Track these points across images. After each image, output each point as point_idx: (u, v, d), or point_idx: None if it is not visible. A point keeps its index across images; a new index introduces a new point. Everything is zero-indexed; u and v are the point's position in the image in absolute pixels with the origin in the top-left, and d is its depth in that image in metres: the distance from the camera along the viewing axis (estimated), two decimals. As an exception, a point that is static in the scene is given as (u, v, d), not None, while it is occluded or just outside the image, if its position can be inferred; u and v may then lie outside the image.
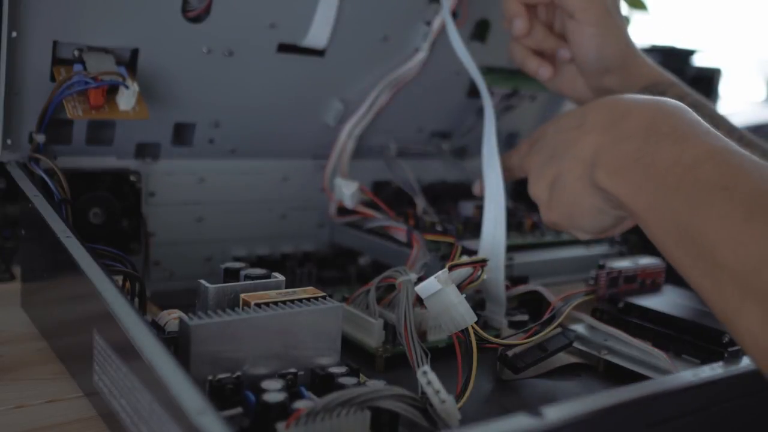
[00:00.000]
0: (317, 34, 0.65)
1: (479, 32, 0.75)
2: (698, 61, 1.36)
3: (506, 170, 0.64)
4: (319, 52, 0.67)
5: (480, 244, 0.59)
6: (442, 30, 0.69)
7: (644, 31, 1.56)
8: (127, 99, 0.56)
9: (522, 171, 0.61)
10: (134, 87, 0.56)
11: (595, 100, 0.54)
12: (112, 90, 0.56)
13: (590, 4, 0.63)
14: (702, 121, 0.47)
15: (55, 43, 0.56)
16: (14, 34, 0.53)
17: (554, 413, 0.33)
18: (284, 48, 0.65)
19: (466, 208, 0.73)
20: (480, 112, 0.80)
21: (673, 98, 0.63)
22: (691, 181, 0.42)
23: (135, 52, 0.59)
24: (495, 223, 0.58)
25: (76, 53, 0.57)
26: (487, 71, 0.77)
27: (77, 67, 0.56)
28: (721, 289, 0.39)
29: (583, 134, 0.51)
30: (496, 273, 0.57)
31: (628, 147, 0.47)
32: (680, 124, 0.46)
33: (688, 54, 1.35)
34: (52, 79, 0.57)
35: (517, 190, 0.82)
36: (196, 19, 0.60)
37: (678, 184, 0.43)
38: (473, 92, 0.79)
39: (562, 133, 0.53)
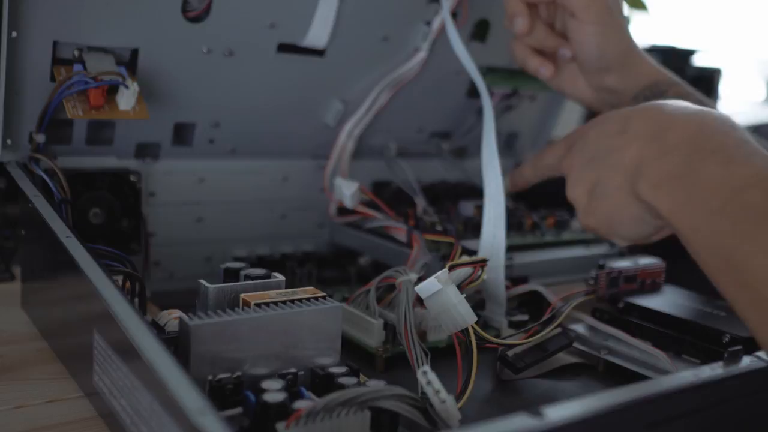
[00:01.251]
0: (317, 34, 0.65)
1: (479, 32, 0.75)
2: (698, 61, 1.36)
3: (541, 168, 0.63)
4: (319, 52, 0.67)
5: (480, 243, 0.59)
6: (442, 30, 0.69)
7: (644, 31, 1.55)
8: (127, 99, 0.56)
9: (558, 170, 0.61)
10: (134, 87, 0.56)
11: (639, 106, 0.53)
12: (112, 90, 0.56)
13: (591, 2, 0.63)
14: (750, 139, 0.46)
15: (55, 43, 0.56)
16: (14, 34, 0.53)
17: (554, 413, 0.33)
18: (284, 48, 0.65)
19: (466, 208, 0.73)
20: (480, 111, 0.80)
21: (674, 97, 0.62)
22: (737, 206, 0.41)
23: (135, 52, 0.59)
24: (495, 223, 0.58)
25: (76, 53, 0.57)
26: (487, 71, 0.77)
27: (77, 67, 0.56)
28: (766, 323, 0.38)
29: (626, 143, 0.50)
30: (496, 273, 0.57)
31: (672, 162, 0.46)
32: (727, 141, 0.45)
33: (688, 54, 1.35)
34: (53, 79, 0.57)
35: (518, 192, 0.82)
36: (196, 19, 0.60)
37: (723, 207, 0.42)
38: (473, 92, 0.79)
39: (604, 139, 0.53)
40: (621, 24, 0.65)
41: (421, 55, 0.71)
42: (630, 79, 0.66)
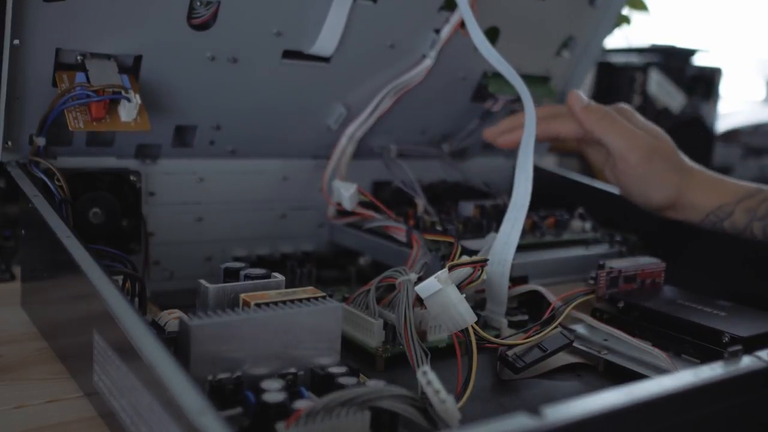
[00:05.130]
0: (325, 43, 0.64)
1: (488, 39, 0.75)
2: (698, 60, 1.36)
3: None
4: (324, 59, 0.66)
5: (496, 240, 0.58)
6: (451, 38, 0.69)
7: (644, 31, 1.56)
8: (128, 111, 0.56)
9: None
10: (136, 100, 0.56)
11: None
12: (114, 100, 0.56)
13: (634, 147, 0.67)
14: None
15: (57, 50, 0.55)
16: (17, 42, 0.53)
17: (554, 413, 0.33)
18: (289, 54, 0.65)
19: (466, 208, 0.73)
20: (483, 116, 0.80)
21: (741, 214, 0.67)
22: None
23: (138, 59, 0.59)
24: (513, 224, 0.58)
25: (79, 59, 0.56)
26: (493, 76, 0.77)
27: (80, 77, 0.56)
28: None
29: None
30: (502, 269, 0.57)
31: None
32: None
33: (688, 54, 1.35)
34: (54, 84, 0.56)
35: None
36: (202, 27, 0.59)
37: None
38: (477, 97, 0.79)
39: None
40: (664, 170, 0.68)
41: (428, 62, 0.71)
42: (687, 214, 0.69)
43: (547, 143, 0.90)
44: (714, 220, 0.68)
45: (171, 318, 0.46)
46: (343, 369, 0.44)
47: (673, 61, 1.32)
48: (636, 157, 0.67)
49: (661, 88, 1.28)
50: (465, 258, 0.52)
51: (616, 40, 1.44)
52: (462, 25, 0.68)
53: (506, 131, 0.73)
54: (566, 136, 0.72)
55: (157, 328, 0.45)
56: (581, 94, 0.71)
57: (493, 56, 0.63)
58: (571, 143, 0.75)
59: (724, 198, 0.68)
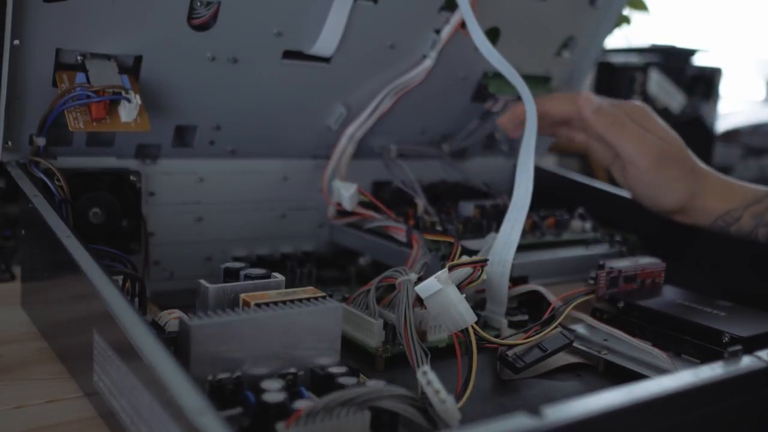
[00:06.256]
0: (325, 44, 0.64)
1: (489, 39, 0.75)
2: (698, 60, 1.36)
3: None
4: (324, 59, 0.66)
5: (496, 240, 0.58)
6: (451, 38, 0.69)
7: (644, 31, 1.56)
8: (129, 111, 0.56)
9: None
10: (136, 100, 0.56)
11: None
12: (114, 100, 0.56)
13: (646, 152, 0.67)
14: None
15: (57, 50, 0.55)
16: (17, 42, 0.53)
17: (554, 413, 0.33)
18: (289, 54, 0.65)
19: (466, 208, 0.73)
20: (484, 116, 0.80)
21: (747, 219, 0.66)
22: None
23: (138, 59, 0.59)
24: (513, 224, 0.58)
25: (79, 59, 0.56)
26: (493, 77, 0.77)
27: (80, 77, 0.56)
28: None
29: None
30: (502, 269, 0.57)
31: None
32: None
33: (688, 54, 1.36)
34: (55, 84, 0.56)
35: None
36: (202, 27, 0.59)
37: None
38: (477, 97, 0.79)
39: None
40: (676, 176, 0.67)
41: (428, 62, 0.71)
42: (696, 218, 0.69)
43: (549, 141, 0.90)
44: (722, 224, 0.67)
45: (171, 318, 0.46)
46: (343, 369, 0.44)
47: (673, 61, 1.32)
48: (646, 163, 0.67)
49: (661, 88, 1.28)
50: (465, 258, 0.52)
51: (616, 40, 1.44)
52: (462, 25, 0.68)
53: (519, 120, 0.73)
54: (555, 115, 0.72)
55: (157, 328, 0.45)
56: (592, 96, 0.71)
57: (493, 56, 0.63)
58: (577, 138, 0.74)
59: (733, 202, 0.67)
